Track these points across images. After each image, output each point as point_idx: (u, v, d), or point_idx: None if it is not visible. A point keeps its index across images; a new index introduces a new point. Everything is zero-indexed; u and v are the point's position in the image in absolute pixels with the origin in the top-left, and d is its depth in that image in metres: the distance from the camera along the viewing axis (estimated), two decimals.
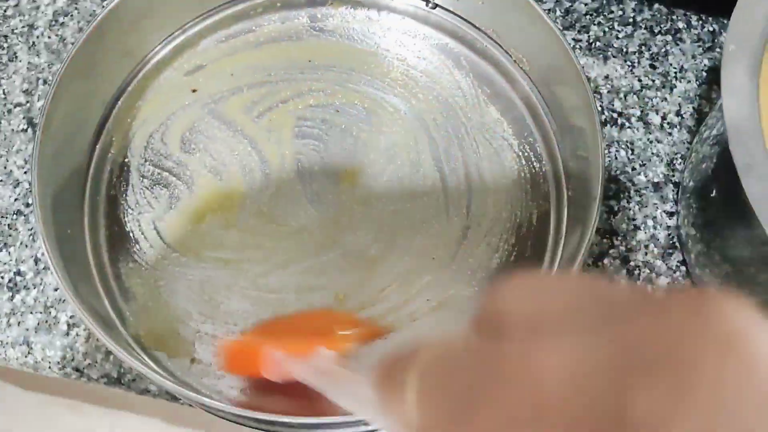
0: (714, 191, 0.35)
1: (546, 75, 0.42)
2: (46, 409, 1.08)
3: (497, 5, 0.43)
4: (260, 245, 0.40)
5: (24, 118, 0.45)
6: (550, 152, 0.42)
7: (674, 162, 0.44)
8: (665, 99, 0.45)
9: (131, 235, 0.40)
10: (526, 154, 0.42)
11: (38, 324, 0.39)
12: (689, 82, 0.46)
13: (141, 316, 0.38)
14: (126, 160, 0.42)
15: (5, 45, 0.47)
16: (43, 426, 1.08)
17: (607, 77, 0.46)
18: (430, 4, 0.46)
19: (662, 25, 0.48)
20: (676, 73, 0.46)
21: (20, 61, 0.46)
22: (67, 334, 0.39)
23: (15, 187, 0.43)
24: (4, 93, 0.45)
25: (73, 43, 0.41)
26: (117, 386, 0.39)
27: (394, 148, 0.43)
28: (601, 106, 0.45)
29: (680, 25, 0.48)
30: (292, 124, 0.44)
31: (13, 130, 0.44)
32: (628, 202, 0.42)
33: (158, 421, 1.05)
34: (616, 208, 0.42)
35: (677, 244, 0.41)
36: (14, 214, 0.42)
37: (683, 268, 0.41)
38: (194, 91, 0.44)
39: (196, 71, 0.46)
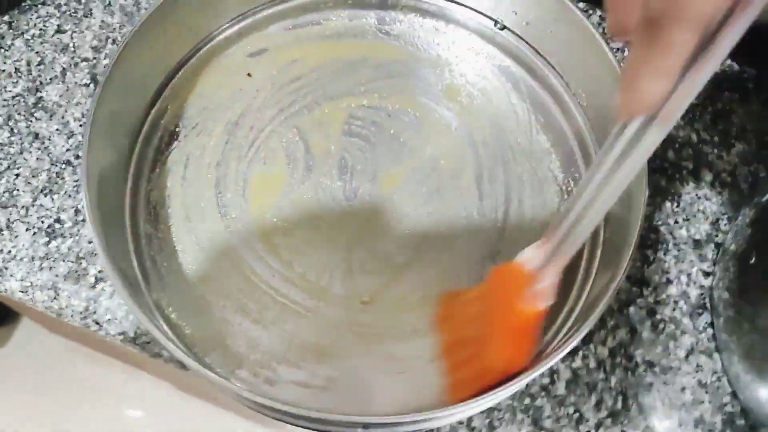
0: (754, 258, 0.34)
1: (601, 113, 0.42)
2: (67, 354, 1.11)
3: (564, 36, 0.43)
4: (292, 233, 0.40)
5: (88, 73, 0.46)
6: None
7: (719, 222, 0.43)
8: (721, 157, 0.44)
9: (167, 202, 0.41)
10: (569, 189, 0.42)
11: (68, 272, 0.40)
12: (749, 143, 0.45)
13: (167, 284, 0.39)
14: (177, 129, 0.43)
15: (83, 1, 0.49)
16: (63, 369, 1.11)
17: None
18: (498, 25, 0.46)
19: (731, 82, 0.47)
20: (737, 132, 0.45)
21: (94, 18, 0.48)
22: (94, 287, 0.40)
23: (69, 138, 0.44)
24: (74, 46, 0.47)
25: (146, 9, 0.43)
26: (132, 345, 0.39)
27: (439, 160, 0.43)
28: (654, 153, 0.44)
29: (749, 85, 0.47)
30: (343, 120, 0.44)
31: (76, 83, 0.46)
32: (665, 255, 0.42)
33: (169, 385, 1.07)
34: (651, 258, 0.42)
35: (708, 305, 0.40)
36: (64, 163, 0.43)
37: (710, 330, 0.40)
38: (249, 75, 0.45)
39: (259, 54, 0.46)
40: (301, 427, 0.34)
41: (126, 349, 0.40)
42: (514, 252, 0.33)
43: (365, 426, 0.30)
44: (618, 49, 0.48)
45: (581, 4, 0.49)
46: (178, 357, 0.31)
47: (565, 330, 0.37)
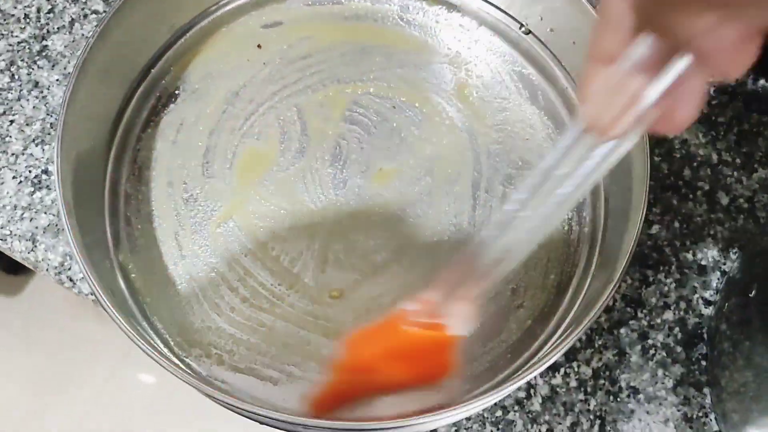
0: (754, 291, 0.32)
1: None
2: (80, 309, 1.12)
3: (585, 48, 0.40)
4: (272, 214, 0.39)
5: (96, 25, 0.45)
6: (594, 214, 0.39)
7: (730, 250, 0.40)
8: (740, 181, 0.42)
9: (152, 164, 0.40)
10: (570, 218, 0.39)
11: (48, 225, 0.40)
12: None
13: (137, 247, 0.38)
14: (176, 91, 0.42)
15: None
16: (76, 325, 1.11)
17: (684, 141, 0.43)
18: (523, 29, 0.44)
19: (761, 103, 0.44)
20: (761, 157, 0.42)
21: None
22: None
23: None
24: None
25: None
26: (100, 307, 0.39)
27: (437, 161, 0.41)
28: (668, 169, 0.42)
29: None
30: (345, 106, 0.42)
31: (83, 34, 0.45)
32: (666, 277, 0.39)
33: None
34: (651, 279, 0.39)
35: (705, 336, 0.38)
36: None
37: (704, 363, 0.37)
38: (260, 46, 0.44)
39: (272, 26, 0.45)
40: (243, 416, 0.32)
41: None
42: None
43: (305, 427, 0.29)
44: None
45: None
46: (124, 327, 0.30)
47: (553, 340, 0.35)
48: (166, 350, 0.31)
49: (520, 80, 0.43)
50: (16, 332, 1.11)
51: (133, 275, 0.37)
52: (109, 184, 0.38)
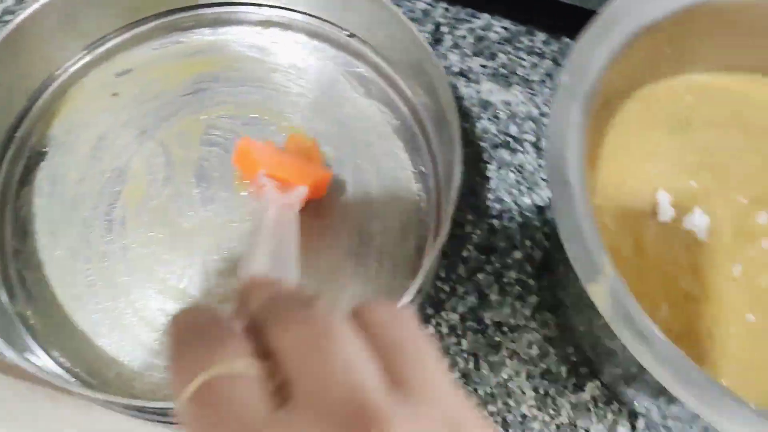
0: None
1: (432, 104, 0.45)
2: (27, 397, 1.11)
3: (395, 40, 0.45)
4: (152, 241, 0.43)
5: None
6: (437, 183, 0.44)
7: None
8: None
9: (34, 218, 0.43)
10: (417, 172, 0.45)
11: None
12: None
13: (32, 297, 0.41)
14: (44, 149, 0.45)
15: None
16: (25, 411, 1.10)
17: (507, 102, 0.48)
18: (347, 33, 0.49)
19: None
20: None
21: None
22: None
23: None
24: None
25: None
26: None
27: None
28: (497, 129, 0.47)
29: None
30: (202, 131, 0.46)
31: None
32: (510, 222, 0.45)
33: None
34: (497, 226, 0.44)
35: (550, 265, 0.43)
36: None
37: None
38: (115, 94, 0.48)
39: (125, 74, 0.49)
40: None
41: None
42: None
43: None
44: (463, 36, 0.51)
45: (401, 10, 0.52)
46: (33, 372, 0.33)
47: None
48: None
49: (353, 77, 0.48)
50: None
51: (32, 321, 0.40)
52: None
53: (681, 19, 0.37)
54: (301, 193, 0.40)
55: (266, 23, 0.50)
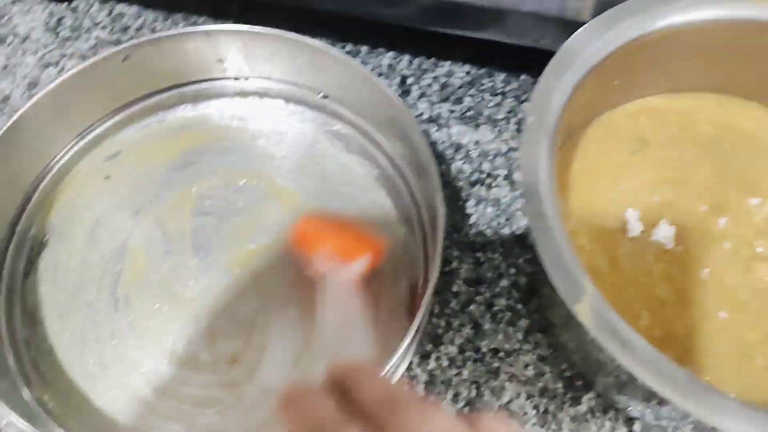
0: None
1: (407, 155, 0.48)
2: None
3: (367, 97, 0.48)
4: (158, 313, 0.45)
5: None
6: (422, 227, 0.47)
7: None
8: None
9: (41, 306, 0.45)
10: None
11: None
12: None
13: (48, 381, 0.43)
14: (45, 239, 0.48)
15: None
16: None
17: (477, 142, 0.52)
18: (321, 94, 0.52)
19: (528, 94, 0.54)
20: None
21: None
22: None
23: None
24: None
25: None
26: None
27: (282, 222, 0.48)
28: (471, 169, 0.51)
29: None
30: (194, 203, 0.49)
31: None
32: (493, 253, 0.47)
33: None
34: (482, 259, 0.47)
35: (536, 289, 0.46)
36: None
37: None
38: (107, 177, 0.50)
39: (114, 157, 0.51)
40: None
41: None
42: None
43: None
44: (429, 85, 0.54)
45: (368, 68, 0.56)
46: None
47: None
48: None
49: (332, 135, 0.51)
50: None
51: (50, 404, 0.42)
52: (7, 335, 0.43)
53: (626, 53, 0.41)
54: (364, 262, 0.40)
55: (243, 93, 0.53)
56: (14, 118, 0.45)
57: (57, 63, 0.58)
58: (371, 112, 0.50)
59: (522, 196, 0.35)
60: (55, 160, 0.50)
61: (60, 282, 0.46)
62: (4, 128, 0.45)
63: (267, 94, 0.53)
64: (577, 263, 0.34)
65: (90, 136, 0.52)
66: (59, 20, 0.61)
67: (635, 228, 0.42)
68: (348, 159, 0.50)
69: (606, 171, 0.44)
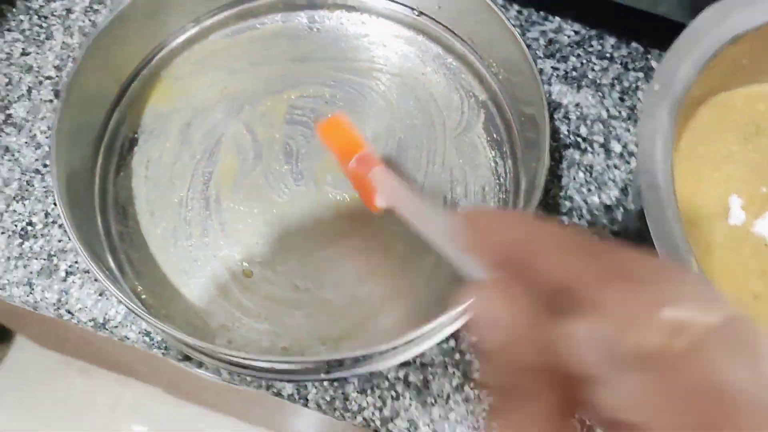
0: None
1: (512, 79, 0.47)
2: (60, 371, 1.15)
3: (472, 16, 0.48)
4: (248, 216, 0.45)
5: (52, 90, 0.50)
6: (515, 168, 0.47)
7: (628, 188, 0.47)
8: (629, 130, 0.49)
9: (134, 201, 0.46)
10: (494, 155, 0.47)
11: (41, 269, 0.45)
12: None
13: (141, 274, 0.43)
14: (136, 135, 0.48)
15: (44, 25, 0.53)
16: (56, 387, 1.15)
17: (577, 105, 0.50)
18: (416, 12, 0.51)
19: (636, 63, 0.51)
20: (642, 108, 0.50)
21: (55, 40, 0.52)
22: (65, 280, 0.44)
23: (36, 149, 0.48)
24: (38, 66, 0.51)
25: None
26: (102, 330, 0.44)
27: (376, 141, 0.48)
28: (567, 130, 0.49)
29: (653, 63, 0.51)
30: (285, 111, 0.49)
31: (41, 99, 0.50)
32: (579, 220, 0.46)
33: (159, 391, 1.11)
34: (567, 224, 0.46)
35: None
36: (33, 172, 0.48)
37: None
38: (200, 80, 0.50)
39: (205, 61, 0.51)
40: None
41: (117, 357, 0.45)
42: None
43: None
44: (536, 39, 0.52)
45: None
46: (155, 325, 0.36)
47: None
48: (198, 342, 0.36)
49: (424, 54, 0.51)
50: (1, 401, 1.14)
51: (144, 296, 0.43)
52: (102, 226, 0.44)
53: (761, 33, 0.39)
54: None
55: (331, 6, 0.52)
56: (116, 11, 0.45)
57: None
58: (490, 52, 0.49)
59: (638, 166, 0.33)
60: (147, 59, 0.50)
61: (152, 178, 0.47)
62: (109, 19, 0.45)
63: (357, 9, 0.52)
64: (686, 241, 0.33)
65: (183, 37, 0.51)
66: None
67: (738, 216, 0.40)
68: (436, 80, 0.50)
69: (715, 152, 0.42)
